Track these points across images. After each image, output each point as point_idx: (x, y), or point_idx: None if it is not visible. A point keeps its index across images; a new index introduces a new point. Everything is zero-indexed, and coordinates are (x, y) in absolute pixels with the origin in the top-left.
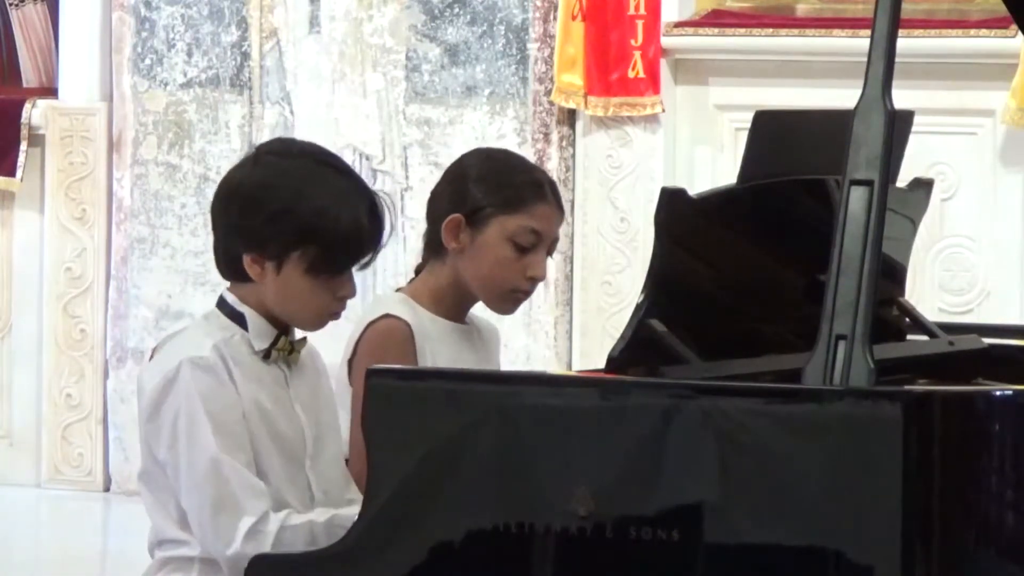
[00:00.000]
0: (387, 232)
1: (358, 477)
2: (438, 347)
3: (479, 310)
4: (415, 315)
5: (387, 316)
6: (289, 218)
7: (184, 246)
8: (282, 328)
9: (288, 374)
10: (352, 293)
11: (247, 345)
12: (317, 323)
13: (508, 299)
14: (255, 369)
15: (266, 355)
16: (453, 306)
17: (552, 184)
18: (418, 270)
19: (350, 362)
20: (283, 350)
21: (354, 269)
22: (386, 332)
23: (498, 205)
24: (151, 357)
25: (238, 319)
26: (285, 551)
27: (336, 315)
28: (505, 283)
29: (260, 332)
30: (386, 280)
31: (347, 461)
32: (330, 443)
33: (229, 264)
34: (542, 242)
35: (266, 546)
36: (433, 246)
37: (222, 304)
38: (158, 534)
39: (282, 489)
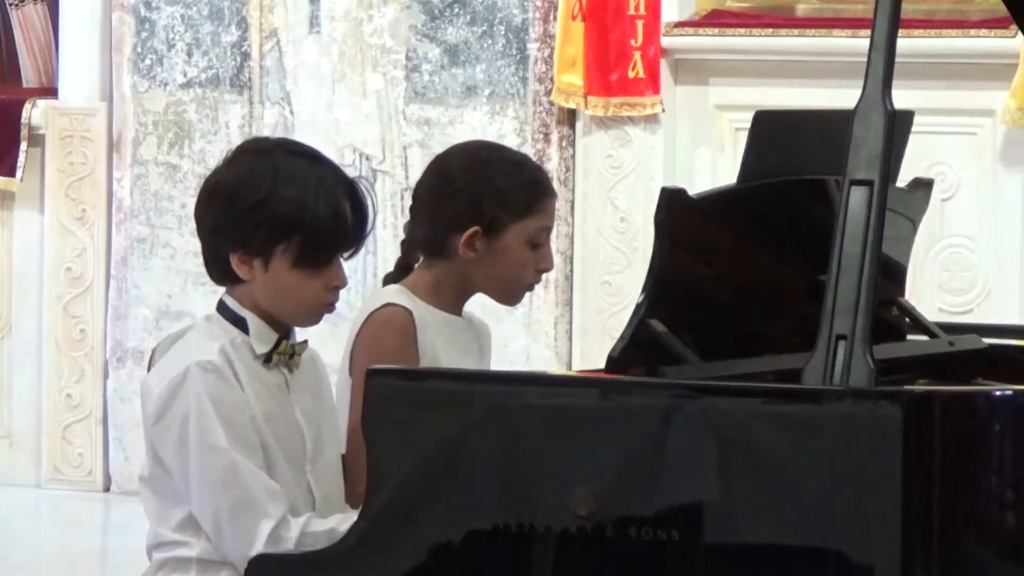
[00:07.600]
0: (371, 218)
1: (351, 463)
2: (437, 337)
3: (471, 306)
4: (415, 305)
5: (389, 305)
6: (267, 210)
7: (184, 246)
8: (283, 332)
9: (289, 378)
10: (343, 282)
11: (248, 349)
12: (313, 317)
13: (521, 294)
14: (257, 373)
15: (267, 359)
16: (452, 300)
17: (543, 171)
18: (404, 266)
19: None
20: (284, 354)
21: (343, 258)
22: (388, 319)
23: (515, 213)
24: (151, 360)
25: (239, 323)
26: None
27: (331, 307)
28: (523, 281)
29: (261, 336)
30: None
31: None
32: (329, 447)
33: (219, 268)
34: (550, 234)
35: (288, 551)
36: (432, 247)
37: (223, 308)
38: (157, 537)
39: (287, 492)
